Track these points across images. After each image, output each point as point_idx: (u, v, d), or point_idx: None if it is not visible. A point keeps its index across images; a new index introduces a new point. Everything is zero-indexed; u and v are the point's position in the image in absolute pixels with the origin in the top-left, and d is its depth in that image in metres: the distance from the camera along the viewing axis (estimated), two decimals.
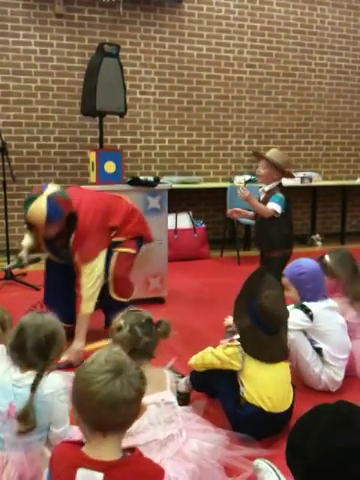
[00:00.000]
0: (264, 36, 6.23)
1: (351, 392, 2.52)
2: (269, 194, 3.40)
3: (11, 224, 4.66)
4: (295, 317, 2.47)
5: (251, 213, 3.63)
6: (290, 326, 2.35)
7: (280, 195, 3.38)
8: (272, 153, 3.43)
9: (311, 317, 2.49)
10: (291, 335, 2.39)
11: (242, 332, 2.18)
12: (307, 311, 2.50)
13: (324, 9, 6.46)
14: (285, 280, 2.62)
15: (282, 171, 3.40)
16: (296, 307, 2.53)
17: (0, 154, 4.30)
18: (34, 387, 1.67)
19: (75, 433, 1.86)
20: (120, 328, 1.90)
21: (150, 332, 1.92)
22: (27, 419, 1.63)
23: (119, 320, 1.94)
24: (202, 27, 5.93)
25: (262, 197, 3.47)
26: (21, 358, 1.73)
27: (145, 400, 1.35)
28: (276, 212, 3.35)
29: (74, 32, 5.44)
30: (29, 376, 1.70)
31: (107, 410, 1.25)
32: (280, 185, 3.44)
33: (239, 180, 3.60)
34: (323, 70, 6.57)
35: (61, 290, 3.10)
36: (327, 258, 2.86)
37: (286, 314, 2.24)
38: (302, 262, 2.63)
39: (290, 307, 2.49)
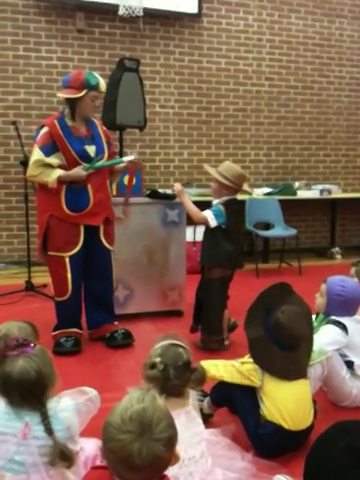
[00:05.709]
0: (283, 49, 6.26)
1: None
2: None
3: (33, 236, 4.72)
4: (333, 334, 2.46)
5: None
6: (330, 345, 2.37)
7: (220, 207, 3.14)
8: (222, 167, 3.17)
9: (346, 331, 2.48)
10: (329, 352, 2.38)
11: (252, 342, 2.16)
12: (342, 326, 2.48)
13: (343, 22, 6.48)
14: (323, 287, 2.61)
15: (230, 186, 3.13)
16: (328, 323, 2.52)
17: (22, 167, 4.36)
18: (49, 429, 1.60)
19: (90, 446, 1.86)
20: (153, 366, 1.79)
21: (182, 376, 1.81)
22: (66, 457, 1.59)
23: (155, 356, 1.82)
24: (221, 41, 5.99)
25: None
26: (15, 406, 1.64)
27: None
28: (208, 221, 3.13)
29: (95, 47, 5.54)
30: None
31: (126, 470, 1.20)
32: (230, 200, 3.18)
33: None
34: (342, 83, 6.57)
35: (78, 299, 3.27)
36: None
37: (306, 332, 2.20)
38: (348, 284, 2.56)
39: (323, 325, 2.49)
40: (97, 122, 3.32)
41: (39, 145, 3.07)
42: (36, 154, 3.07)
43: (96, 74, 3.15)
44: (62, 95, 3.13)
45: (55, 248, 3.16)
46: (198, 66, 5.94)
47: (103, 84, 3.14)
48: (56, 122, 3.10)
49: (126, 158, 3.25)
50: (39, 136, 3.10)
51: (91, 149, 3.14)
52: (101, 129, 3.29)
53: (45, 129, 3.09)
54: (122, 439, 1.19)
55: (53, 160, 3.06)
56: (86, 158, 3.11)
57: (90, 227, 3.20)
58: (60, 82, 3.43)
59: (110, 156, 3.31)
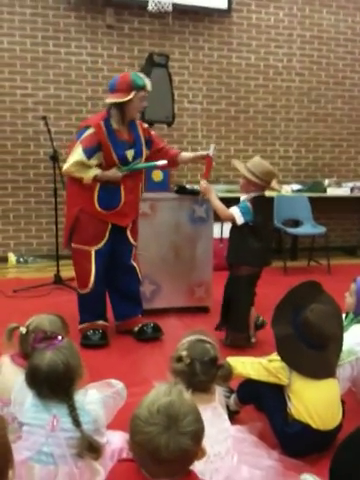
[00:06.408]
0: (314, 44, 6.16)
1: None
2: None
3: (61, 230, 4.76)
4: None
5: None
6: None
7: (247, 204, 3.10)
8: (251, 163, 3.12)
9: None
10: (358, 353, 2.33)
11: (280, 340, 2.14)
12: None
13: None
14: (353, 286, 2.56)
15: (258, 183, 3.07)
16: (358, 323, 2.47)
17: (52, 162, 4.41)
18: (77, 421, 1.62)
19: (117, 439, 1.86)
20: (180, 359, 1.80)
21: (209, 372, 1.80)
22: (94, 449, 1.61)
23: (182, 349, 1.83)
24: (251, 36, 5.93)
25: None
26: (43, 398, 1.66)
27: None
28: (235, 219, 3.10)
29: (124, 43, 5.55)
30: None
31: (153, 463, 1.22)
32: (258, 197, 3.13)
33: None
34: None
35: (101, 292, 3.32)
36: None
37: (336, 332, 2.17)
38: None
39: (352, 325, 2.44)
40: (137, 122, 3.29)
41: (83, 146, 3.03)
42: (78, 154, 3.03)
43: (141, 74, 3.13)
44: (111, 100, 3.07)
45: (82, 241, 3.19)
46: (227, 61, 5.90)
47: (149, 83, 3.10)
48: (102, 124, 3.06)
49: (159, 163, 3.24)
50: (84, 136, 3.05)
51: (130, 153, 3.15)
52: (141, 129, 3.27)
53: (91, 130, 3.05)
54: (149, 431, 1.20)
55: (93, 162, 3.06)
56: (125, 162, 3.14)
57: (117, 225, 3.24)
58: (107, 86, 3.36)
59: (158, 151, 3.33)
